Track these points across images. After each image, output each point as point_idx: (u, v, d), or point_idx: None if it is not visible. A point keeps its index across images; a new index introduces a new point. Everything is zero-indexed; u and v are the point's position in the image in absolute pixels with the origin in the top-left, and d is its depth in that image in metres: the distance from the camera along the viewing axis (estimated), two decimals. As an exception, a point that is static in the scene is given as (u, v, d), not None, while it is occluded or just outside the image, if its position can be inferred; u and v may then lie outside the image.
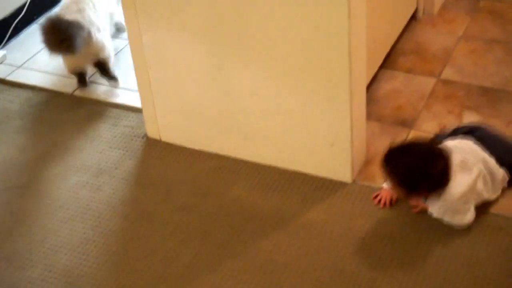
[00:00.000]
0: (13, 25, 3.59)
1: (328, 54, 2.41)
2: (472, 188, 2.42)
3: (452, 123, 2.84)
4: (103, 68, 3.24)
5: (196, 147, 2.88)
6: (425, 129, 2.84)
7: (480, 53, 3.21)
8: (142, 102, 2.92)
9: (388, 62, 3.21)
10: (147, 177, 2.81)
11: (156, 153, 2.91)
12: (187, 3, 2.54)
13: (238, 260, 2.43)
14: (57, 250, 2.55)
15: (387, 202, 2.55)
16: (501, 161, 2.49)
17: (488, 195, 2.49)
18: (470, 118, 2.80)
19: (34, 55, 3.53)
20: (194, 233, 2.55)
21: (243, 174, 2.75)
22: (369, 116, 2.87)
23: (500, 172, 2.50)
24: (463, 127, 2.63)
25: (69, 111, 3.18)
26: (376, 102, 3.01)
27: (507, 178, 2.52)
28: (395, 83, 3.11)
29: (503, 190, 2.53)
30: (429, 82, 3.08)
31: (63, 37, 3.02)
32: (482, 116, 2.87)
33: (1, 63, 3.48)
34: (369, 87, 3.01)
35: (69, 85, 3.30)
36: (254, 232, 2.52)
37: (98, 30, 3.19)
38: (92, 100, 3.22)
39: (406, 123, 2.89)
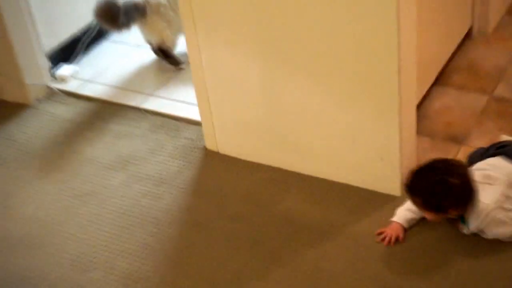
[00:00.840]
0: (85, 41, 3.64)
1: (378, 70, 2.40)
2: (506, 195, 2.35)
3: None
4: (163, 52, 3.40)
5: (251, 159, 2.90)
6: (476, 145, 2.80)
7: (533, 71, 3.16)
8: (201, 116, 2.95)
9: (441, 79, 3.17)
10: (204, 187, 2.84)
11: (214, 165, 2.93)
12: (242, 24, 2.57)
13: (285, 268, 2.45)
14: (118, 254, 2.60)
15: (392, 240, 2.46)
16: None
17: None
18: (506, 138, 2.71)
19: (103, 70, 3.57)
20: (245, 241, 2.58)
21: (294, 186, 2.76)
22: (420, 131, 2.86)
23: None
24: (496, 144, 2.58)
25: (133, 123, 3.21)
26: (428, 118, 2.99)
27: None
28: (447, 99, 3.08)
29: None
30: (481, 99, 3.04)
31: (111, 13, 3.25)
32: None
33: (73, 77, 3.53)
34: (421, 103, 3.00)
35: (134, 98, 3.34)
36: (302, 242, 2.53)
37: (156, 12, 3.35)
38: (154, 112, 3.24)
39: (457, 139, 2.87)
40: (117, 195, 2.86)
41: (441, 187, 2.30)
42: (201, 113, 2.95)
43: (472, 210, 2.35)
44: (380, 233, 2.49)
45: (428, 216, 2.42)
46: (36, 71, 3.44)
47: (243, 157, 2.93)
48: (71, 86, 3.49)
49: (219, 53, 2.70)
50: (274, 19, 2.50)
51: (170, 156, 3.01)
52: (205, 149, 3.01)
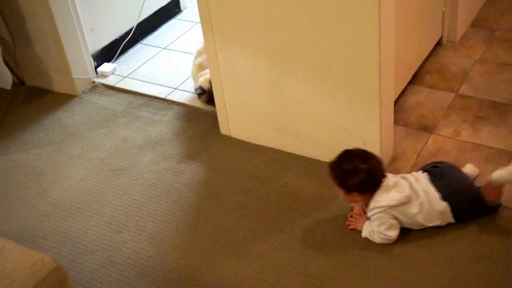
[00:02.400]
0: (122, 44, 3.63)
1: (362, 70, 2.39)
2: (399, 204, 2.24)
3: (465, 130, 2.78)
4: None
5: (257, 142, 2.87)
6: (443, 134, 2.78)
7: (492, 74, 3.11)
8: (216, 106, 2.92)
9: (415, 79, 3.13)
10: (218, 165, 2.81)
11: (226, 146, 2.91)
12: (253, 29, 2.54)
13: (285, 233, 2.43)
14: (146, 219, 2.59)
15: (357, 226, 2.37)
16: (447, 198, 2.27)
17: (424, 221, 2.28)
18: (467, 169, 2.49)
19: (137, 68, 3.55)
20: (251, 210, 2.55)
21: (293, 165, 2.73)
22: (397, 121, 2.84)
23: (441, 205, 2.27)
24: (433, 162, 2.43)
25: (161, 111, 3.19)
26: (404, 111, 2.95)
27: (447, 211, 2.27)
28: (420, 96, 3.04)
29: (451, 224, 2.31)
30: (448, 96, 3.00)
31: None
32: (491, 125, 2.79)
33: (112, 73, 3.51)
34: (398, 98, 2.97)
35: (162, 91, 3.31)
36: (299, 211, 2.51)
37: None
38: (179, 103, 3.22)
39: (427, 129, 2.83)
40: (146, 170, 2.85)
41: (350, 167, 2.24)
42: (217, 104, 2.92)
43: (370, 201, 2.29)
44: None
45: (340, 194, 2.33)
46: (82, 68, 3.42)
47: (251, 140, 2.90)
48: (111, 80, 3.48)
49: (233, 53, 2.68)
50: (279, 27, 2.48)
51: (190, 139, 2.99)
52: (219, 133, 2.98)
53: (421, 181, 2.33)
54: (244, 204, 2.59)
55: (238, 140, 2.92)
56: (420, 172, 2.39)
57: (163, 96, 3.29)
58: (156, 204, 2.65)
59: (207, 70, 3.02)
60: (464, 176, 2.37)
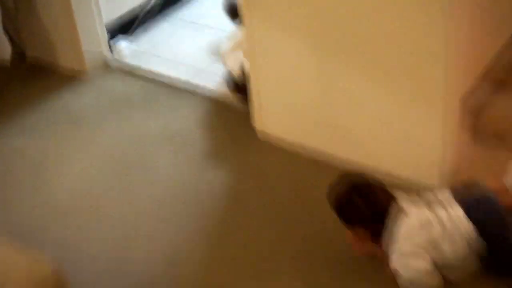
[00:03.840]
0: (142, 15, 3.62)
1: (426, 65, 2.39)
2: (423, 225, 2.21)
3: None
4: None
5: (297, 143, 2.86)
6: None
7: None
8: (252, 97, 2.92)
9: (487, 75, 3.01)
10: (246, 164, 2.83)
11: (258, 143, 2.91)
12: (296, 12, 2.55)
13: (322, 257, 2.42)
14: (159, 228, 2.57)
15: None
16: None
17: (449, 251, 2.21)
18: None
19: (158, 44, 3.56)
20: (285, 226, 2.54)
21: (335, 171, 2.62)
22: (465, 126, 2.76)
23: (465, 225, 2.20)
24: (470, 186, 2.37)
25: (184, 97, 3.19)
26: (472, 114, 2.85)
27: (473, 237, 2.20)
28: (492, 97, 2.94)
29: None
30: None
31: None
32: None
33: (128, 49, 3.52)
34: (466, 99, 2.85)
35: (186, 73, 3.31)
36: (339, 230, 2.42)
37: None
38: (207, 90, 3.21)
39: (500, 136, 2.75)
40: (162, 166, 2.86)
41: (347, 201, 2.32)
42: (251, 93, 2.91)
43: (387, 235, 2.27)
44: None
45: (347, 234, 2.36)
46: (94, 40, 3.42)
47: (290, 140, 2.88)
48: (126, 58, 3.49)
49: (275, 34, 2.67)
50: (328, 7, 2.47)
51: (216, 133, 3.00)
52: (251, 127, 2.97)
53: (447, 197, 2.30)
54: (276, 219, 2.56)
55: (273, 136, 2.91)
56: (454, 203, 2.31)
57: (187, 79, 3.29)
58: (172, 212, 2.65)
59: (241, 53, 3.01)
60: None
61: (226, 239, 2.51)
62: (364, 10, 2.40)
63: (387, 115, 2.57)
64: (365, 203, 2.29)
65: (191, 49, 3.49)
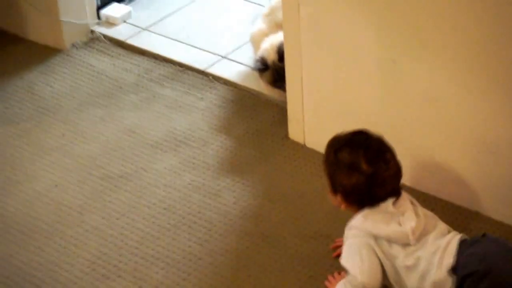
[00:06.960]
0: None
1: None
2: (386, 238, 2.35)
3: None
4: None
5: None
6: None
7: None
8: (288, 95, 2.94)
9: None
10: (278, 187, 2.86)
11: (295, 160, 2.93)
12: None
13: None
14: (153, 262, 2.59)
15: None
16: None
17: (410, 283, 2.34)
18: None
19: (164, 18, 3.60)
20: (318, 267, 2.56)
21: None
22: None
23: (440, 274, 2.29)
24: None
25: (195, 91, 3.23)
26: None
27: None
28: None
29: None
30: None
31: None
32: None
33: (124, 21, 3.55)
34: None
35: (200, 59, 3.34)
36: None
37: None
38: (225, 81, 3.25)
39: None
40: (161, 183, 2.88)
41: (348, 159, 2.41)
42: (289, 91, 2.95)
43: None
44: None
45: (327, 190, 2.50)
46: (77, 8, 3.46)
47: None
48: (120, 32, 3.54)
49: (326, 10, 2.71)
50: None
51: (238, 142, 3.02)
52: (287, 138, 3.01)
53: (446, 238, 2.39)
54: (309, 257, 2.58)
55: (316, 152, 2.90)
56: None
57: (202, 67, 3.31)
58: (170, 241, 2.67)
59: (279, 34, 3.03)
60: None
61: (244, 284, 2.53)
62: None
63: (473, 126, 2.59)
64: (369, 176, 2.38)
65: (210, 28, 3.52)
